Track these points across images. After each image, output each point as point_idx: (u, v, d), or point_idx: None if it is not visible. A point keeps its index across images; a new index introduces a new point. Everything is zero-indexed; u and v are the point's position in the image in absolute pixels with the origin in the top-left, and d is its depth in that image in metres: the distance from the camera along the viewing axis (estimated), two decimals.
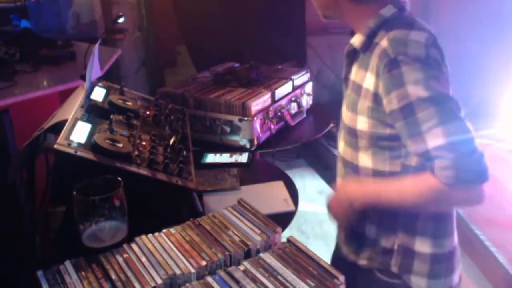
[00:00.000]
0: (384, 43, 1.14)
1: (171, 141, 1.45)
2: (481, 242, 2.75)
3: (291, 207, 1.49)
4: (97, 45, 1.68)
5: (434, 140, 1.07)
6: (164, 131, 1.54)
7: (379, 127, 1.20)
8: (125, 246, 1.03)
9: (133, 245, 1.03)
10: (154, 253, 1.00)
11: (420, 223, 1.26)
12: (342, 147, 1.36)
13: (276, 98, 2.09)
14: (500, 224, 2.93)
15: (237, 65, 2.44)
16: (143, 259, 0.98)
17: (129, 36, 4.00)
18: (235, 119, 1.93)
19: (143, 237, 1.05)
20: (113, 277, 0.93)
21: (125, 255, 1.00)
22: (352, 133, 1.28)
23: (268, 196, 1.55)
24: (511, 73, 4.22)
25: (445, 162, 1.06)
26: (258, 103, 1.95)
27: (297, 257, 0.99)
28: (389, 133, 1.20)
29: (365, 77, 1.21)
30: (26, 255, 1.31)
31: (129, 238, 1.06)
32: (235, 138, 1.94)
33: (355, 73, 1.27)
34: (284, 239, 1.07)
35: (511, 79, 4.24)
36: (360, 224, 1.34)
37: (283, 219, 1.41)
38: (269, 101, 2.03)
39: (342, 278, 0.93)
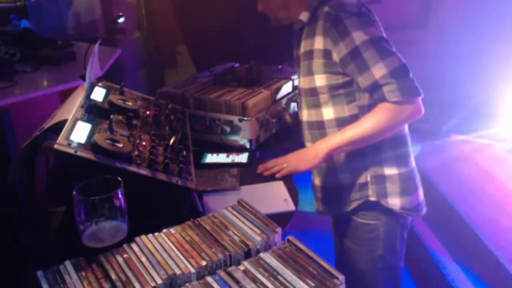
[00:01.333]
0: (326, 9, 1.45)
1: (171, 141, 1.45)
2: (481, 242, 2.75)
3: (291, 207, 1.49)
4: (97, 45, 1.68)
5: (379, 71, 1.38)
6: (164, 131, 1.54)
7: (333, 78, 1.50)
8: (125, 246, 1.03)
9: (133, 245, 1.03)
10: (154, 253, 1.00)
11: (384, 155, 1.55)
12: (306, 114, 1.63)
13: (276, 98, 2.09)
14: (500, 224, 2.94)
15: (237, 65, 2.44)
16: (143, 259, 0.98)
17: (129, 36, 4.00)
18: (235, 119, 1.93)
19: (143, 237, 1.05)
20: (113, 277, 0.93)
21: (125, 255, 1.00)
22: (313, 93, 1.55)
23: (268, 196, 1.55)
24: (511, 73, 4.22)
25: (391, 87, 1.37)
26: (258, 103, 1.95)
27: (297, 257, 0.99)
28: (342, 81, 1.49)
29: (314, 41, 1.49)
30: (26, 255, 1.31)
31: (129, 238, 1.06)
32: (235, 138, 1.94)
33: (304, 46, 1.55)
34: (284, 239, 1.07)
35: (511, 79, 4.24)
36: (334, 179, 1.62)
37: (283, 219, 1.41)
38: (269, 101, 2.03)
39: (342, 278, 0.93)
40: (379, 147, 1.54)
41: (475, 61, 4.33)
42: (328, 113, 1.55)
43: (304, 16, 1.53)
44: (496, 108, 4.26)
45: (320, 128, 1.59)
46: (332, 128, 1.56)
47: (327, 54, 1.46)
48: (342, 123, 1.54)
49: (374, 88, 1.41)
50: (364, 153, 1.54)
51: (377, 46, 1.40)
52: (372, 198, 1.58)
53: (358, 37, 1.39)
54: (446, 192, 3.31)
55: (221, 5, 3.87)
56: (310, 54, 1.51)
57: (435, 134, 4.13)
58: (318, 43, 1.47)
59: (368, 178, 1.58)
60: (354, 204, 1.61)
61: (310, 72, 1.53)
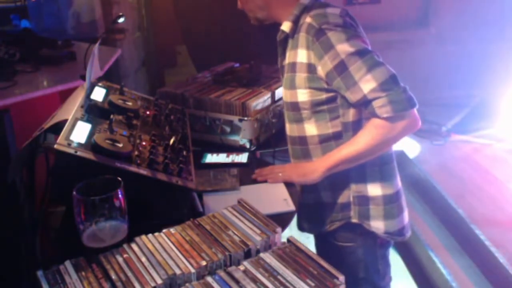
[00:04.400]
0: (308, 20, 1.39)
1: (171, 141, 1.45)
2: (481, 242, 2.75)
3: (291, 207, 1.49)
4: (97, 45, 1.68)
5: (368, 85, 1.30)
6: (164, 131, 1.54)
7: (316, 93, 1.42)
8: (125, 246, 1.03)
9: (133, 245, 1.03)
10: (154, 253, 1.00)
11: (368, 171, 1.48)
12: (288, 128, 1.57)
13: (276, 98, 2.09)
14: (500, 224, 2.94)
15: (237, 65, 2.44)
16: (143, 259, 0.98)
17: (129, 36, 4.00)
18: (235, 119, 1.93)
19: (143, 237, 1.05)
20: (113, 277, 0.93)
21: (125, 255, 1.00)
22: (295, 107, 1.48)
23: (268, 196, 1.55)
24: (511, 73, 4.22)
25: (381, 101, 1.30)
26: (258, 103, 1.96)
27: (297, 257, 0.99)
28: (326, 97, 1.42)
29: (297, 54, 1.42)
30: (26, 255, 1.31)
31: (129, 238, 1.06)
32: (235, 138, 1.95)
33: (288, 57, 1.48)
34: (284, 239, 1.07)
35: (511, 79, 4.24)
36: (315, 196, 1.55)
37: (283, 219, 1.41)
38: (269, 101, 2.03)
39: (342, 278, 0.93)
40: (363, 164, 1.46)
41: (475, 61, 4.34)
42: (311, 129, 1.49)
43: (286, 27, 1.46)
44: (496, 108, 4.26)
45: (302, 144, 1.53)
46: (315, 145, 1.50)
47: (311, 68, 1.39)
48: (324, 140, 1.48)
49: (364, 103, 1.34)
50: (347, 169, 1.47)
51: (364, 57, 1.31)
52: (354, 220, 1.53)
53: (343, 49, 1.32)
54: (446, 192, 3.31)
55: (221, 5, 3.87)
56: (293, 66, 1.45)
57: (435, 134, 4.13)
58: (302, 56, 1.40)
59: (351, 198, 1.52)
60: (335, 225, 1.55)
61: (292, 86, 1.46)
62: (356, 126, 1.42)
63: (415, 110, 1.32)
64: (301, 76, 1.42)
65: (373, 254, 1.57)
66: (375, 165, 1.48)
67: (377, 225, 1.51)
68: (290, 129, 1.55)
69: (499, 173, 3.55)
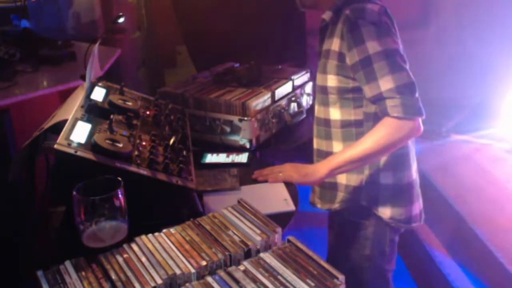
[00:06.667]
0: (347, 12, 1.45)
1: (171, 141, 1.45)
2: (481, 242, 2.75)
3: (291, 207, 1.49)
4: (97, 45, 1.68)
5: (386, 84, 1.38)
6: (164, 131, 1.54)
7: (344, 81, 1.51)
8: (125, 246, 1.03)
9: (133, 245, 1.03)
10: (154, 253, 1.00)
11: (383, 159, 1.55)
12: (317, 109, 1.66)
13: (276, 98, 2.09)
14: (500, 224, 2.93)
15: (237, 65, 2.44)
16: (143, 259, 0.98)
17: (129, 36, 4.00)
18: (235, 119, 1.93)
19: (143, 237, 1.05)
20: (113, 277, 0.93)
21: (125, 255, 1.00)
22: (324, 91, 1.58)
23: (268, 196, 1.55)
24: (511, 73, 4.21)
25: (394, 101, 1.37)
26: (258, 103, 1.96)
27: (297, 257, 0.99)
28: (352, 86, 1.50)
29: (333, 42, 1.51)
30: (26, 255, 1.31)
31: (129, 238, 1.06)
32: (235, 138, 1.95)
33: (325, 44, 1.56)
34: (284, 239, 1.07)
35: (511, 79, 4.23)
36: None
37: (283, 219, 1.41)
38: (269, 101, 2.04)
39: (342, 278, 0.93)
40: None
41: (475, 61, 4.32)
42: (335, 113, 1.57)
43: (326, 16, 1.55)
44: (496, 108, 4.25)
45: (326, 125, 1.61)
46: (337, 128, 1.58)
47: (341, 57, 1.48)
48: (346, 125, 1.56)
49: (378, 100, 1.40)
50: None
51: (389, 59, 1.39)
52: (363, 203, 1.59)
53: (372, 46, 1.39)
54: (446, 192, 3.30)
55: (221, 5, 3.87)
56: (327, 53, 1.54)
57: (435, 134, 4.13)
58: (335, 44, 1.49)
59: (363, 183, 1.58)
60: (346, 204, 1.62)
61: (324, 71, 1.56)
62: (376, 117, 1.47)
63: (420, 119, 1.40)
64: (332, 62, 1.51)
65: (382, 235, 1.62)
66: (390, 156, 1.54)
67: (384, 210, 1.57)
68: (318, 110, 1.65)
69: (499, 173, 3.54)
